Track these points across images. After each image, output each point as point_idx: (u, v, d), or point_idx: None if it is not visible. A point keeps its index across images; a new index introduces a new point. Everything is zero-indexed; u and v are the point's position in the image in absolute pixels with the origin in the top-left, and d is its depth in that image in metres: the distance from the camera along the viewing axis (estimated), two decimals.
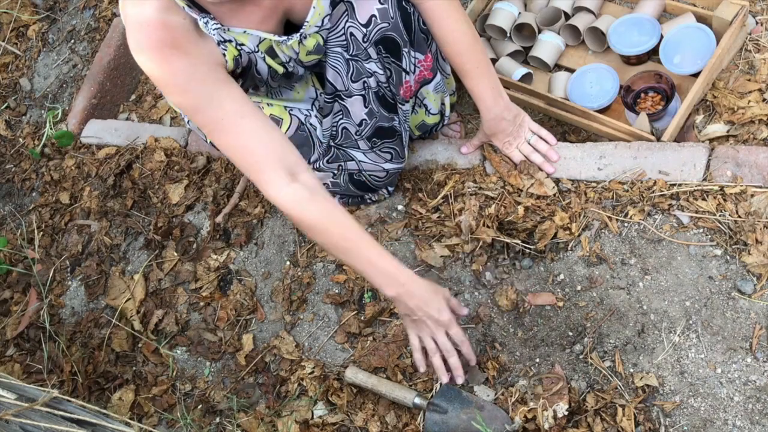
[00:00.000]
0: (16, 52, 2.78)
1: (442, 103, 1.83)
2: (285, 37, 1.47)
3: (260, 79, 1.55)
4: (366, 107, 1.62)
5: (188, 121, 1.76)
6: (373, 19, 1.48)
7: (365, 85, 1.58)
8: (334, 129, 1.67)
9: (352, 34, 1.49)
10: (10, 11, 2.80)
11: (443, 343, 1.53)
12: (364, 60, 1.54)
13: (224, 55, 1.42)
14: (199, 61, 1.37)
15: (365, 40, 1.50)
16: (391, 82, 1.59)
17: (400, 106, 1.66)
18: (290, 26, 1.51)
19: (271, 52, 1.49)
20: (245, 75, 1.52)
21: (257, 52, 1.47)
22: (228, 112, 1.38)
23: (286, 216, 1.82)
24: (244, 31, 1.42)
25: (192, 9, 1.34)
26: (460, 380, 1.56)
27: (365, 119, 1.64)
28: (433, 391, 1.62)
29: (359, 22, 1.49)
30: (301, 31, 1.46)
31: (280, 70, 1.54)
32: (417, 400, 1.60)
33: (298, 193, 1.40)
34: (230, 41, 1.42)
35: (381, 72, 1.56)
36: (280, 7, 1.44)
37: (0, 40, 2.79)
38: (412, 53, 1.60)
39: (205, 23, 1.36)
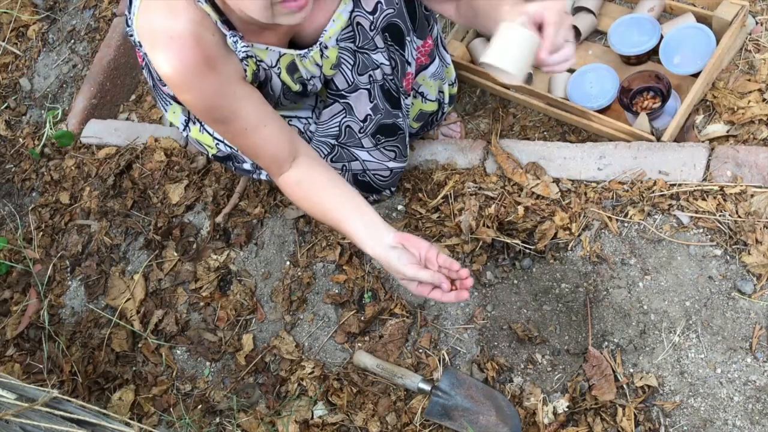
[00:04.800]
0: (16, 52, 2.77)
1: (441, 92, 1.83)
2: (304, 50, 1.50)
3: (272, 96, 1.58)
4: (371, 102, 1.63)
5: (187, 135, 1.77)
6: (379, 5, 1.51)
7: (371, 78, 1.59)
8: (337, 128, 1.68)
9: (359, 23, 1.51)
10: (10, 11, 2.80)
11: (428, 279, 1.38)
12: (371, 51, 1.56)
13: (245, 70, 1.46)
14: (227, 78, 1.40)
15: (372, 28, 1.52)
16: (396, 73, 1.60)
17: (403, 99, 1.67)
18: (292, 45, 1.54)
19: (292, 68, 1.54)
20: (261, 90, 1.55)
21: (274, 67, 1.51)
22: (251, 122, 1.46)
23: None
24: (267, 48, 1.46)
25: (223, 25, 1.37)
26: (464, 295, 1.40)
27: (370, 114, 1.65)
28: (438, 375, 1.63)
29: (365, 10, 1.51)
30: (320, 41, 1.50)
31: (295, 87, 1.58)
32: (422, 385, 1.64)
33: (290, 177, 1.53)
34: (252, 57, 1.46)
35: (387, 63, 1.58)
36: (295, 27, 1.48)
37: (0, 40, 2.79)
38: (414, 41, 1.63)
39: (235, 41, 1.39)
